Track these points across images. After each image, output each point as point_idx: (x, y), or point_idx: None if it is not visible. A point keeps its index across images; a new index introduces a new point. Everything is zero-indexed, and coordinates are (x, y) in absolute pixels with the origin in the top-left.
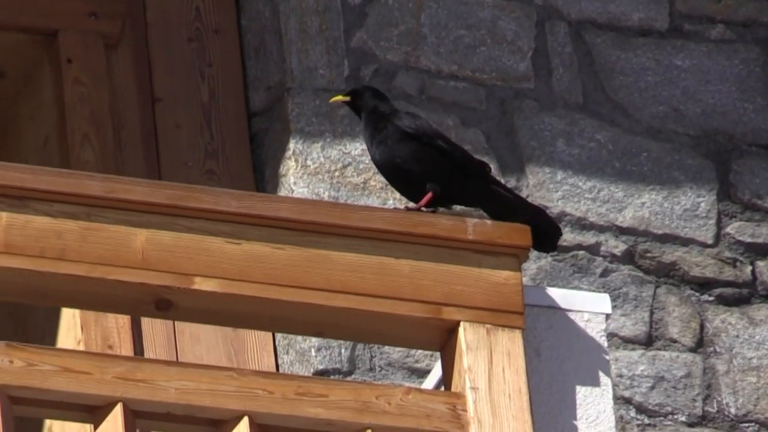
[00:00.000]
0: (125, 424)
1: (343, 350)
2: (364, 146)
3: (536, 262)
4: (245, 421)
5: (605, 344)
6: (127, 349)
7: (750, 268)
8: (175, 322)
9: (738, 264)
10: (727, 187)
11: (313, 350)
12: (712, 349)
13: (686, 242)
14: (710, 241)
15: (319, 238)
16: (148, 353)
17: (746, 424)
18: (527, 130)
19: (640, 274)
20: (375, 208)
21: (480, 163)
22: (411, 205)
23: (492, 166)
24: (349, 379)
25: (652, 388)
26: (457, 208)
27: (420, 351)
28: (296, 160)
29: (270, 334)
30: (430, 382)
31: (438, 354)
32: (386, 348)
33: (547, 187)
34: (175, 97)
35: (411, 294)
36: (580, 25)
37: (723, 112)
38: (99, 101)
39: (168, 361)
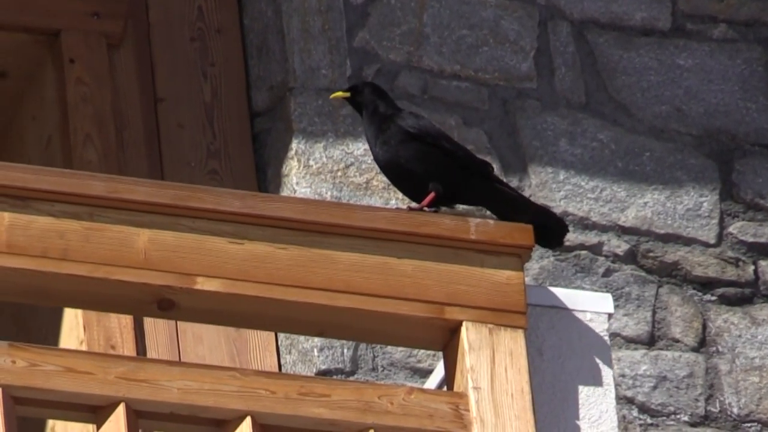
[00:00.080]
0: (128, 424)
1: (345, 350)
2: (367, 146)
3: (539, 262)
4: (248, 421)
5: (608, 344)
6: (129, 349)
7: (752, 267)
8: (178, 322)
9: (740, 264)
10: (730, 187)
11: (315, 350)
12: (714, 348)
13: (689, 242)
14: (713, 241)
15: (321, 238)
16: (151, 353)
17: (749, 424)
18: (530, 130)
19: (643, 273)
20: (377, 208)
21: (483, 162)
22: (413, 205)
23: (494, 166)
24: (351, 379)
25: (655, 387)
26: (460, 207)
27: (422, 351)
28: (299, 160)
29: (273, 334)
30: (432, 381)
31: (440, 354)
32: (389, 348)
33: (550, 187)
34: (177, 97)
35: (413, 294)
36: (582, 24)
37: (725, 111)
38: (101, 101)
39: (170, 361)
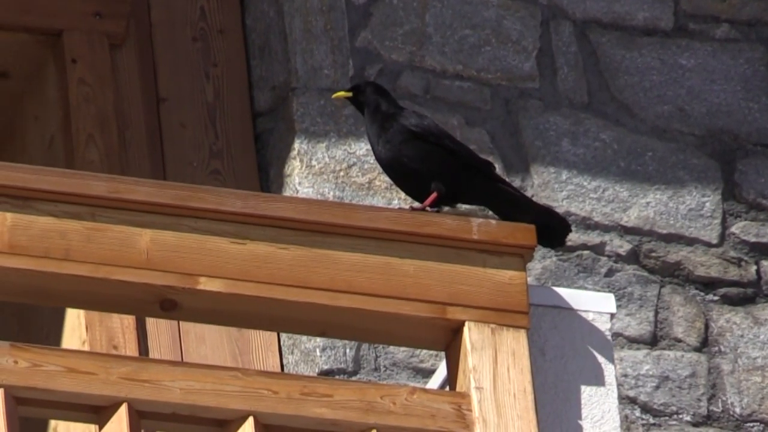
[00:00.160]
0: (130, 424)
1: (347, 350)
2: (369, 146)
3: (541, 262)
4: (250, 421)
5: (610, 344)
6: (131, 349)
7: (755, 267)
8: (180, 323)
9: (743, 263)
10: (732, 187)
11: (317, 350)
12: (716, 348)
13: (691, 242)
14: (715, 241)
15: (323, 238)
16: (153, 353)
17: (751, 424)
18: (532, 130)
19: (645, 273)
20: (380, 208)
21: (485, 162)
22: (416, 204)
23: (497, 165)
24: (353, 379)
25: (657, 387)
26: (463, 207)
27: (425, 351)
28: (301, 160)
29: (275, 334)
30: (434, 381)
31: (443, 354)
32: (391, 348)
33: (552, 187)
34: (179, 97)
35: (416, 294)
36: (584, 24)
37: (728, 111)
38: (104, 101)
39: (173, 362)
